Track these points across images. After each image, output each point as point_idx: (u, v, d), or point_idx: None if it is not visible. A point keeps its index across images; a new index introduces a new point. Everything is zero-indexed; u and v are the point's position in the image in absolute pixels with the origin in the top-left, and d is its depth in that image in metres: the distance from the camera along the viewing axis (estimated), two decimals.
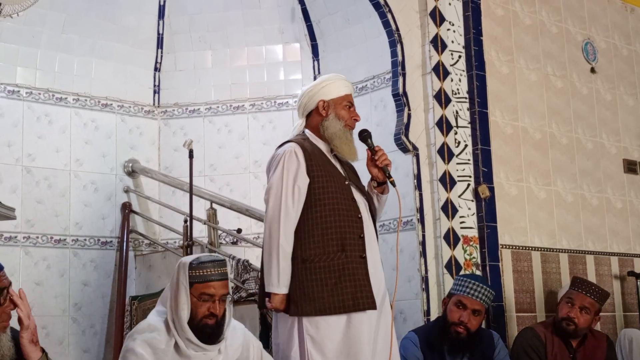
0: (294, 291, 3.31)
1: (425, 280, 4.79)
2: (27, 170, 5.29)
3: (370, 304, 3.30)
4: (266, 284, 3.30)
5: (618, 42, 6.35)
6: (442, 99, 5.03)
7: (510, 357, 4.37)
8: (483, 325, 4.82)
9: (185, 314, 3.02)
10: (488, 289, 4.16)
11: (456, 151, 5.02)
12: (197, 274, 3.05)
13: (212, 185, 5.70)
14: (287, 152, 3.39)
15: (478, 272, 4.94)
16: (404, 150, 4.93)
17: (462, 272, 4.85)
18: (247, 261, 4.80)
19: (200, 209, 5.27)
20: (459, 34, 5.20)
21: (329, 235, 3.33)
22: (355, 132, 3.56)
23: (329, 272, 3.29)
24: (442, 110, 5.02)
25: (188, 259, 3.13)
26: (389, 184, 3.47)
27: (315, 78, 5.49)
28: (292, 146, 3.41)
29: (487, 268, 4.96)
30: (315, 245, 3.32)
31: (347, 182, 3.45)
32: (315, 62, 5.76)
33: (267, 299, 3.30)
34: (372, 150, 3.47)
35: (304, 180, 3.35)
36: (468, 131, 5.10)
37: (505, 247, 5.16)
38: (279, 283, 3.27)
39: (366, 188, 3.55)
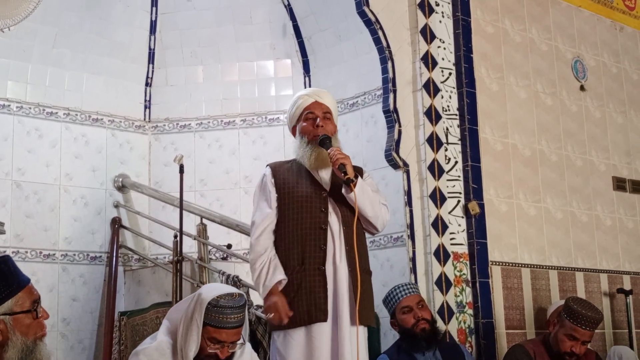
0: None
1: None
2: (17, 184, 5.28)
3: (322, 317, 3.34)
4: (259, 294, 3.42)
5: (607, 60, 6.39)
6: (433, 115, 5.05)
7: None
8: (472, 341, 4.82)
9: (193, 351, 2.95)
10: (409, 282, 4.37)
11: (446, 168, 5.03)
12: (213, 317, 2.93)
13: (203, 201, 5.70)
14: (260, 178, 3.62)
15: (468, 289, 4.94)
16: (395, 166, 4.94)
17: (451, 290, 4.86)
18: (237, 277, 4.78)
19: (191, 224, 5.26)
20: (450, 51, 5.22)
21: (292, 250, 3.43)
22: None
23: (290, 286, 3.40)
24: (433, 126, 5.04)
25: (209, 294, 2.98)
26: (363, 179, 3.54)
27: None
28: (265, 171, 3.61)
29: (477, 284, 4.96)
30: (281, 261, 3.44)
31: (324, 194, 3.45)
32: (307, 78, 5.77)
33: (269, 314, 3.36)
34: (328, 154, 3.45)
35: (272, 197, 3.51)
36: (458, 148, 5.12)
37: (495, 264, 5.16)
38: (264, 284, 3.38)
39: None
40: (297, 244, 3.41)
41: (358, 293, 3.33)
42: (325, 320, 3.34)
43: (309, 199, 3.45)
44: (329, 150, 3.42)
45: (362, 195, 3.41)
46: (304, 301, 3.35)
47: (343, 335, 3.33)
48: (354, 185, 3.36)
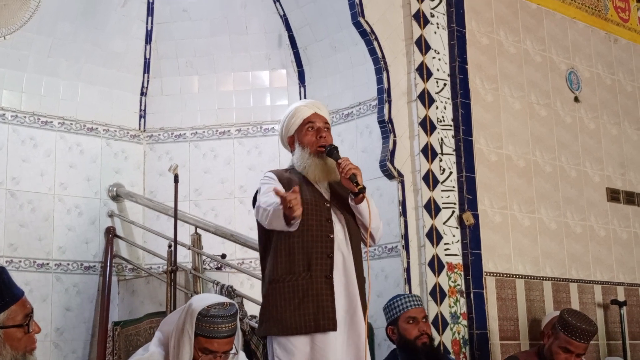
0: (262, 311, 3.40)
1: None
2: (11, 193, 5.27)
3: (331, 326, 3.28)
4: (275, 217, 3.26)
5: (601, 71, 6.42)
6: (428, 126, 5.06)
7: None
8: (467, 352, 4.82)
9: None
10: (415, 294, 4.35)
11: (441, 178, 5.04)
12: (204, 327, 2.93)
13: (197, 210, 5.69)
14: (264, 177, 3.52)
15: (462, 300, 4.94)
16: (389, 176, 4.94)
17: (446, 300, 4.86)
18: (232, 287, 4.78)
19: (185, 234, 5.25)
20: (444, 62, 5.24)
21: (295, 256, 3.35)
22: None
23: (294, 292, 3.32)
24: (427, 137, 5.05)
25: (199, 304, 2.98)
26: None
27: None
28: (267, 174, 3.54)
29: (472, 295, 4.96)
30: (282, 266, 3.37)
31: (327, 204, 3.45)
32: (302, 88, 5.78)
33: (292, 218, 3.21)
34: (338, 164, 3.42)
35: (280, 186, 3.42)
36: (453, 158, 5.13)
37: (490, 275, 5.17)
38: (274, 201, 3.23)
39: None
40: (302, 250, 3.36)
41: (368, 302, 3.34)
42: (335, 329, 3.28)
43: (314, 207, 3.43)
44: (339, 161, 3.40)
45: (371, 207, 3.42)
46: (310, 308, 3.29)
47: (361, 344, 3.31)
48: (364, 196, 3.36)
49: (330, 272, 3.36)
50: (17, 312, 2.27)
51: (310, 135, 3.50)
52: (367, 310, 3.36)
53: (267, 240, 3.46)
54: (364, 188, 3.33)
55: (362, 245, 3.68)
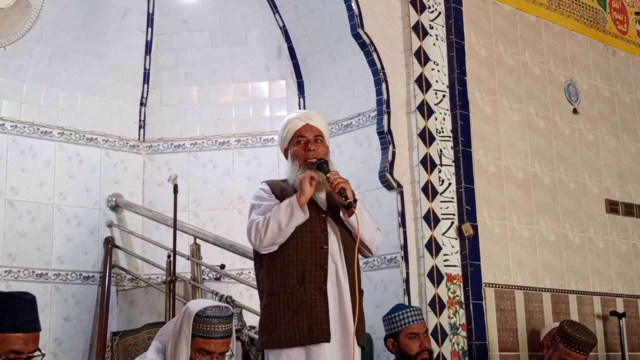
0: (260, 325, 3.42)
1: None
2: (10, 203, 5.26)
3: (325, 337, 3.29)
4: (286, 212, 3.33)
5: (600, 83, 6.44)
6: (427, 137, 5.07)
7: None
8: None
9: None
10: (417, 307, 4.31)
11: (440, 189, 5.04)
12: (201, 327, 2.98)
13: (196, 221, 5.69)
14: (256, 193, 3.55)
15: (461, 311, 4.94)
16: (389, 187, 4.95)
17: (445, 311, 4.85)
18: (230, 297, 4.78)
19: (184, 244, 5.25)
20: (443, 74, 5.25)
21: (290, 268, 3.37)
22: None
23: (289, 304, 3.34)
24: (427, 148, 5.06)
25: (195, 307, 3.04)
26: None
27: None
28: (262, 186, 3.57)
29: (471, 306, 4.96)
30: (277, 279, 3.38)
31: (322, 215, 3.45)
32: (301, 99, 5.79)
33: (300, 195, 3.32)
34: (327, 178, 3.41)
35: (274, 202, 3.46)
36: (452, 169, 5.13)
37: (489, 286, 5.16)
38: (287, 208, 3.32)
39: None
40: (297, 262, 3.37)
41: (357, 313, 3.33)
42: (328, 340, 3.29)
43: (309, 218, 3.44)
44: (328, 175, 3.40)
45: (362, 220, 3.41)
46: (304, 320, 3.30)
47: (352, 356, 3.31)
48: (354, 209, 3.36)
49: (324, 284, 3.36)
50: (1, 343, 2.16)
51: (299, 149, 3.51)
52: (356, 322, 3.33)
53: (260, 254, 3.46)
54: (353, 202, 3.33)
55: (362, 257, 3.69)
